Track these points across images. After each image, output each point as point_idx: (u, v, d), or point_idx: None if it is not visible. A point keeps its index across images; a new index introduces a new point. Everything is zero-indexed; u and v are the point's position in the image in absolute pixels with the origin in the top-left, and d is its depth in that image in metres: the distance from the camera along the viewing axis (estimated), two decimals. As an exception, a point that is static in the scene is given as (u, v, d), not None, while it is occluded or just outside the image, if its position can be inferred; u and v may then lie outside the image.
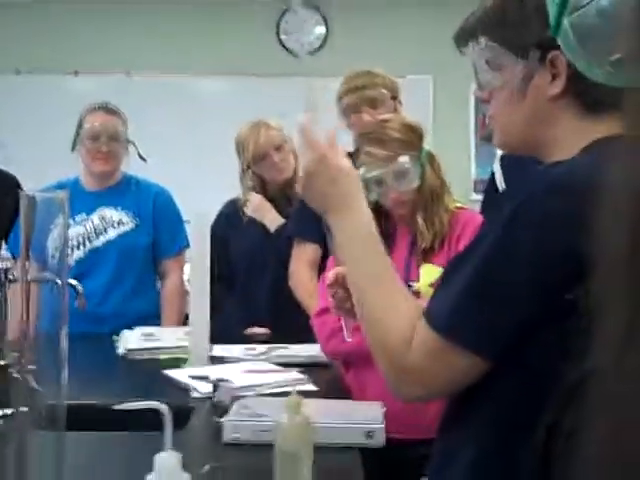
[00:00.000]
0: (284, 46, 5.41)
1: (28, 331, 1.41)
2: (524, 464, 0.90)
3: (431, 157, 2.06)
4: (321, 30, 5.39)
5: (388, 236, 2.06)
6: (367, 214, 1.23)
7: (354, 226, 1.21)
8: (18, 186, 3.19)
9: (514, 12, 1.07)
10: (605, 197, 0.46)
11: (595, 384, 0.45)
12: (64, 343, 1.32)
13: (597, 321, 0.45)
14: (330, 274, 1.57)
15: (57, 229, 1.50)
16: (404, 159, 1.97)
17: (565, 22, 0.91)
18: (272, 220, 2.85)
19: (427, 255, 1.99)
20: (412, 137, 2.02)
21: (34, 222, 1.43)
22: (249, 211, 2.87)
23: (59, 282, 1.44)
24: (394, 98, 2.68)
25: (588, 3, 0.87)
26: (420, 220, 2.00)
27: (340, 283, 1.51)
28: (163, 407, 1.13)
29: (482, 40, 1.11)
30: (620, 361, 0.42)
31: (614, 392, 0.43)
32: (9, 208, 3.08)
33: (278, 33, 5.39)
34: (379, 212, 2.06)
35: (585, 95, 1.03)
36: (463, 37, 1.16)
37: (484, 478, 1.03)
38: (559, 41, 0.94)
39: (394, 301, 1.11)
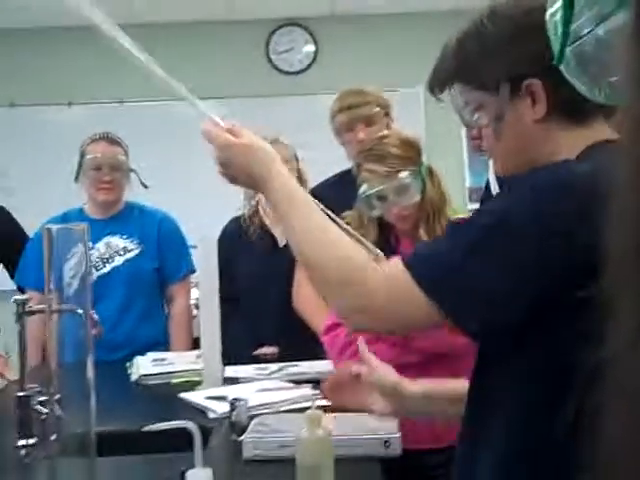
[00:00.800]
0: (274, 65, 5.48)
1: (52, 361, 1.45)
2: (553, 444, 0.94)
3: (430, 171, 2.12)
4: (310, 48, 5.47)
5: (392, 250, 2.12)
6: (288, 175, 1.29)
7: (283, 189, 1.26)
8: (9, 217, 3.25)
9: (475, 53, 1.14)
10: (610, 197, 0.51)
11: (611, 371, 0.50)
12: (90, 372, 1.37)
13: (610, 315, 0.50)
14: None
15: (74, 258, 1.55)
16: (404, 175, 2.02)
17: (567, 51, 0.97)
18: (283, 233, 2.87)
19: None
20: (411, 152, 2.07)
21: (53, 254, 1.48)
22: (265, 217, 2.89)
23: (80, 312, 1.48)
24: (387, 115, 2.74)
25: (587, 34, 0.93)
26: (423, 233, 2.05)
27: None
28: (192, 425, 1.17)
29: (456, 86, 1.18)
30: (633, 352, 0.47)
31: (628, 380, 0.48)
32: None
33: (267, 53, 5.47)
34: (382, 226, 2.12)
35: (567, 110, 1.09)
36: (437, 86, 1.22)
37: (515, 464, 1.05)
38: (563, 69, 1.00)
39: (342, 240, 1.18)
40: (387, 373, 1.37)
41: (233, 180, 1.34)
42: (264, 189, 1.28)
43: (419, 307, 1.04)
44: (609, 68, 0.88)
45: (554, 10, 0.98)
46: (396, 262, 1.09)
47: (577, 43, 0.94)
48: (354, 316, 1.13)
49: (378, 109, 2.69)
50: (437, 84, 1.22)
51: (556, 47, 0.98)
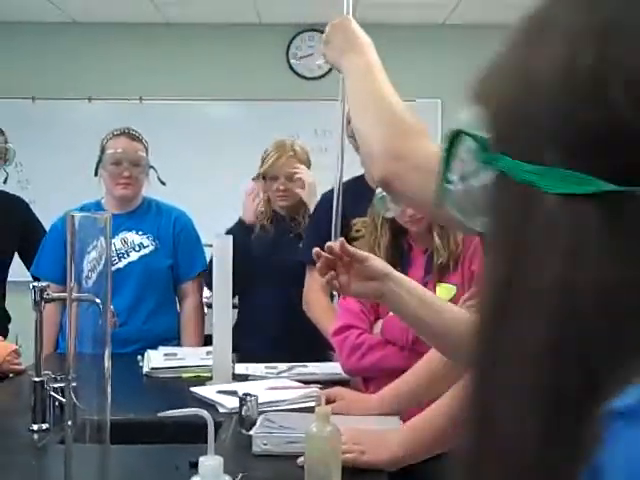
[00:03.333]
0: (294, 70, 5.53)
1: (70, 349, 1.48)
2: None
3: None
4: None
5: (404, 254, 2.15)
6: (378, 61, 1.34)
7: (367, 63, 1.32)
8: (27, 208, 3.29)
9: None
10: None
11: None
12: (107, 361, 1.40)
13: None
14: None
15: (93, 252, 1.58)
16: None
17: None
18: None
19: (442, 274, 2.07)
20: None
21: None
22: (304, 186, 2.95)
23: (99, 302, 1.51)
24: None
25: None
26: (436, 236, 2.07)
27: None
28: (205, 414, 1.21)
29: None
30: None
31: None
32: (17, 229, 3.18)
33: (288, 58, 5.51)
34: (395, 233, 2.15)
35: None
36: None
37: None
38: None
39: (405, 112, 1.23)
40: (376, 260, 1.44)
41: (329, 44, 1.40)
42: (356, 56, 1.33)
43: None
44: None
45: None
46: None
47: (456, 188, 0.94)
48: (391, 161, 1.15)
49: None
50: None
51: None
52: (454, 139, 0.61)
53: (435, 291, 2.04)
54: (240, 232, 2.95)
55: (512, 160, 0.53)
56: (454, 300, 1.95)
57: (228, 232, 2.96)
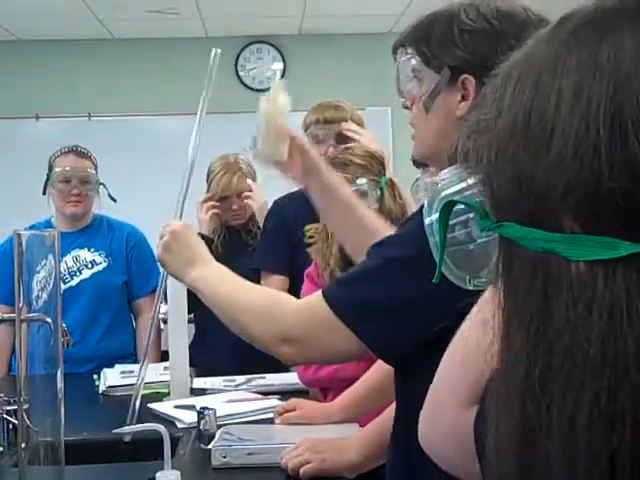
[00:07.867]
0: (242, 82, 5.52)
1: (22, 371, 1.45)
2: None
3: (391, 183, 2.15)
4: (279, 66, 5.51)
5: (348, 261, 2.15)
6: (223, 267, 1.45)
7: (217, 272, 1.44)
8: None
9: (440, 32, 1.19)
10: None
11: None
12: (60, 381, 1.38)
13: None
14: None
15: (42, 271, 1.56)
16: (362, 181, 2.07)
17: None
18: None
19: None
20: (373, 163, 2.14)
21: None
22: (254, 206, 2.94)
23: (49, 321, 1.49)
24: None
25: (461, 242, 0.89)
26: None
27: None
28: (161, 427, 1.20)
29: (409, 50, 1.23)
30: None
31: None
32: None
33: (236, 70, 5.51)
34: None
35: None
36: (396, 44, 1.28)
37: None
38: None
39: (269, 295, 1.38)
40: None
41: (166, 260, 1.53)
42: (201, 268, 1.44)
43: (338, 334, 1.14)
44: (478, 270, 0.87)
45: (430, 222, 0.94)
46: (315, 297, 1.21)
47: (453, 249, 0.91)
48: (284, 348, 1.25)
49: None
50: (398, 42, 1.28)
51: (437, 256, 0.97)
52: (446, 209, 0.57)
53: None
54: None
55: (520, 227, 0.49)
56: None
57: None
